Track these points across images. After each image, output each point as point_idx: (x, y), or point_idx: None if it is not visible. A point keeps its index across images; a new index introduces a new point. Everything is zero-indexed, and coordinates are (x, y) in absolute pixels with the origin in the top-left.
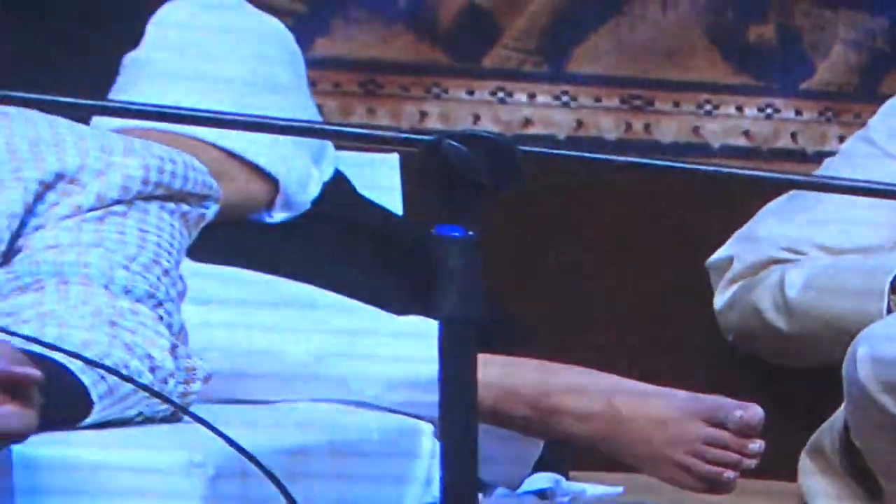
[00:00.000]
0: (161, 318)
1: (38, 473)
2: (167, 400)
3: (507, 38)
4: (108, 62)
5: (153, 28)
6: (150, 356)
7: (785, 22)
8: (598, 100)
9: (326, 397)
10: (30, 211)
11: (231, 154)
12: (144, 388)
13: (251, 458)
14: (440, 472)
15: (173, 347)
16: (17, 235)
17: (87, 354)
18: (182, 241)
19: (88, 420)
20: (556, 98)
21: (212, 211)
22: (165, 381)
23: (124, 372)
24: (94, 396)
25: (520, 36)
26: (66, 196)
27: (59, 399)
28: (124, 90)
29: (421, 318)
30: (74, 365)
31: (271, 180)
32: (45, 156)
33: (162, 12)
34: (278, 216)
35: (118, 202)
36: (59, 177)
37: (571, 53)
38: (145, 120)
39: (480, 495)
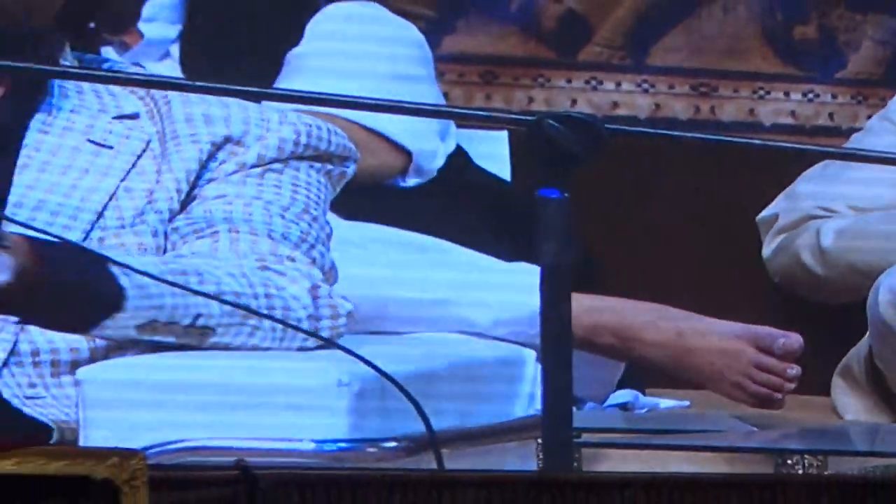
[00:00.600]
0: (314, 259)
1: (202, 394)
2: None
3: (598, 37)
4: (275, 57)
5: (311, 31)
6: (294, 297)
7: (824, 23)
8: (671, 87)
9: (448, 329)
10: (203, 167)
11: (375, 132)
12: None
13: (389, 377)
14: (542, 390)
15: (314, 287)
16: (193, 187)
17: (227, 287)
18: (327, 193)
19: (124, 319)
20: (638, 86)
21: (351, 169)
22: (320, 318)
23: (268, 309)
24: (129, 293)
25: (608, 35)
26: (233, 155)
27: (80, 279)
28: (288, 80)
29: (525, 264)
30: (119, 271)
31: (406, 153)
32: (215, 123)
33: (319, 17)
34: (411, 182)
35: (275, 161)
36: (227, 139)
37: (650, 49)
38: (304, 104)
39: (574, 408)
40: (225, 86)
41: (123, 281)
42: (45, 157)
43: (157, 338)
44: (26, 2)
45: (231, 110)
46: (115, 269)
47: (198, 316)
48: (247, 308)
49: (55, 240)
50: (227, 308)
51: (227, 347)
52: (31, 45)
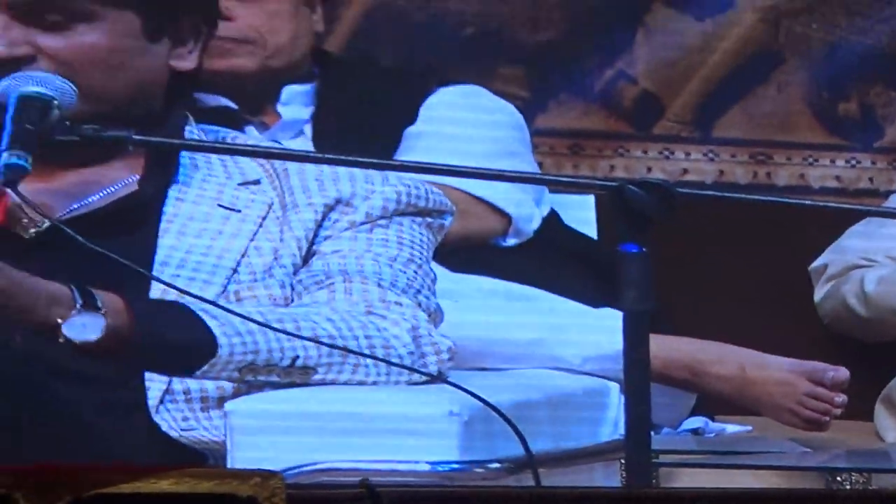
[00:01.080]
0: (419, 303)
1: (331, 422)
2: (413, 369)
3: (669, 114)
4: (395, 132)
5: (425, 110)
6: (395, 336)
7: (864, 100)
8: (733, 156)
9: (543, 366)
10: (319, 226)
11: (480, 199)
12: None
13: (493, 407)
14: (625, 417)
15: (414, 328)
16: (311, 244)
17: (322, 332)
18: (429, 243)
19: (221, 363)
20: (704, 155)
21: (448, 221)
22: (424, 355)
23: (368, 349)
24: (222, 341)
25: (678, 112)
26: (344, 215)
27: (173, 333)
28: (405, 154)
29: (610, 309)
30: (217, 322)
31: (507, 217)
32: (327, 187)
33: (432, 99)
34: (511, 241)
35: (381, 217)
36: (338, 201)
37: (714, 123)
38: (420, 174)
39: (652, 433)
40: (351, 157)
41: (216, 330)
42: (182, 221)
43: (260, 378)
44: (132, 85)
45: (340, 175)
46: (208, 321)
47: (295, 357)
48: (342, 348)
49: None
50: (326, 349)
51: (333, 383)
52: (156, 123)
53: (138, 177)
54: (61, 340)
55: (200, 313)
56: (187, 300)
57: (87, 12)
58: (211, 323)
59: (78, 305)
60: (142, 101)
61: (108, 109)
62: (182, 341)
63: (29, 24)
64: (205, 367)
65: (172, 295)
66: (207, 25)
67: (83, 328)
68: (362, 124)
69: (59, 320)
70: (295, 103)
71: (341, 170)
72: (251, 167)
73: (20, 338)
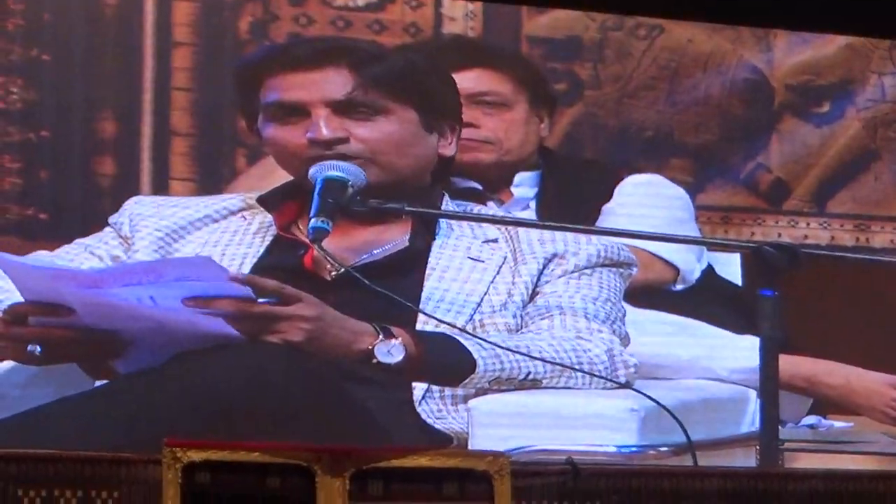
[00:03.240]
0: (614, 331)
1: (546, 417)
2: (609, 379)
3: (795, 194)
4: (596, 208)
5: (618, 192)
6: (597, 356)
7: None
8: (841, 225)
9: (700, 377)
10: (541, 273)
11: (657, 256)
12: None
13: (663, 406)
14: (760, 414)
15: (610, 350)
16: (535, 285)
17: (546, 354)
18: (621, 286)
19: (478, 377)
20: (820, 225)
21: (634, 270)
22: (616, 369)
23: (578, 365)
24: (479, 362)
25: (801, 193)
26: (559, 265)
27: (447, 356)
28: (604, 223)
29: (751, 336)
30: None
31: (676, 269)
32: (546, 244)
33: (623, 184)
34: (679, 287)
35: (586, 267)
36: (554, 255)
37: (827, 202)
38: (614, 237)
39: (779, 426)
40: (559, 224)
41: (475, 354)
42: (442, 268)
43: (503, 387)
44: (413, 164)
45: (556, 237)
46: (470, 346)
47: (528, 373)
48: (560, 364)
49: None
50: (549, 365)
51: (552, 388)
52: (424, 195)
53: (409, 236)
54: (374, 362)
55: (463, 340)
56: (444, 328)
57: (385, 109)
58: (472, 348)
59: (380, 336)
60: (418, 176)
61: (396, 181)
62: (452, 362)
63: (344, 116)
64: (465, 381)
65: (432, 324)
66: (459, 125)
67: (389, 353)
68: (573, 201)
69: (371, 347)
70: (524, 185)
71: (555, 232)
72: (491, 230)
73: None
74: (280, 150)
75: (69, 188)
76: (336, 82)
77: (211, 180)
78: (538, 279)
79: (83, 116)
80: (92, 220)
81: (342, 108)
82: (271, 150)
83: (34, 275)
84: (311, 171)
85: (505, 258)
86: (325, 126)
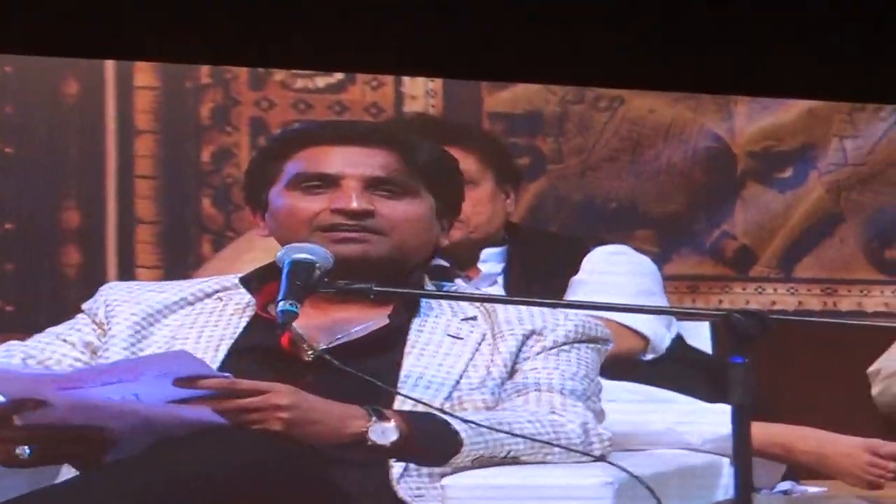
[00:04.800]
0: (589, 407)
1: (523, 492)
2: (584, 452)
3: (761, 262)
4: (564, 281)
5: (585, 264)
6: (569, 431)
7: None
8: (808, 290)
9: (673, 446)
10: (519, 350)
11: (627, 326)
12: (565, 447)
13: (636, 478)
14: (734, 482)
15: (585, 424)
16: (514, 363)
17: (526, 430)
18: (597, 363)
19: (462, 456)
20: (788, 290)
21: (609, 346)
22: (591, 443)
23: (554, 440)
24: (465, 441)
25: (767, 260)
26: (537, 342)
27: (436, 435)
28: (573, 296)
29: (722, 404)
30: (463, 426)
31: (646, 338)
32: (524, 322)
33: (590, 255)
34: (649, 356)
35: (564, 344)
36: (532, 332)
37: (794, 267)
38: (583, 310)
39: (753, 494)
40: (531, 300)
41: (462, 434)
42: (421, 346)
43: (483, 465)
44: (422, 246)
45: (533, 313)
46: (456, 424)
47: (509, 451)
48: (538, 440)
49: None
50: (528, 441)
51: (528, 463)
52: (408, 278)
53: (389, 313)
54: (369, 444)
55: (450, 420)
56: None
57: (415, 191)
58: (458, 427)
59: (373, 419)
60: (421, 258)
61: (404, 259)
62: (441, 442)
63: (373, 192)
64: (451, 459)
65: (409, 403)
66: (457, 215)
67: (383, 434)
68: (540, 275)
69: (364, 430)
70: (491, 261)
71: (533, 308)
72: (469, 307)
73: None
74: (292, 217)
75: (35, 279)
76: (377, 160)
77: (177, 267)
78: (517, 356)
79: (47, 207)
80: (59, 310)
81: (374, 185)
82: (279, 220)
83: (12, 377)
84: (279, 254)
85: (484, 335)
86: (356, 199)
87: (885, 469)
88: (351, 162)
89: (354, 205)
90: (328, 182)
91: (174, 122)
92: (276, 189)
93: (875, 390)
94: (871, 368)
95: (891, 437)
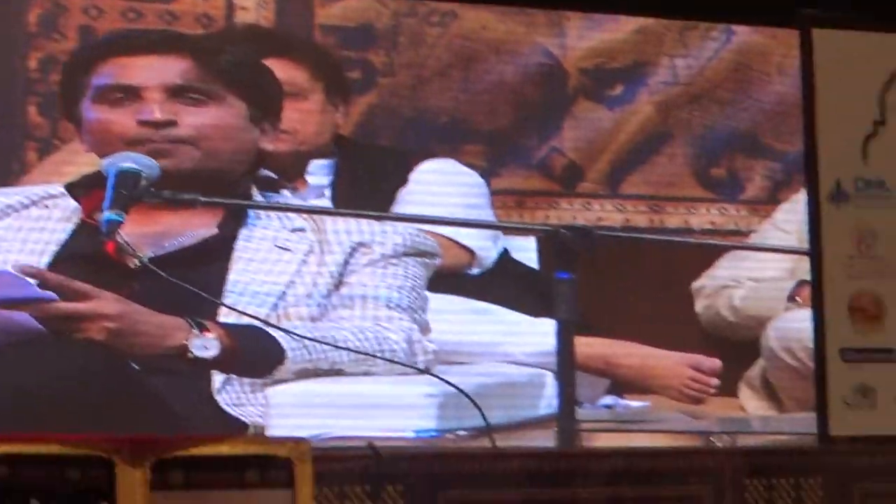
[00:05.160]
0: (415, 319)
1: (345, 403)
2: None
3: (588, 177)
4: (391, 194)
5: (414, 178)
6: (393, 343)
7: (730, 166)
8: (636, 206)
9: (498, 360)
10: (346, 262)
11: (453, 240)
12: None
13: (460, 390)
14: (557, 396)
15: (408, 337)
16: (341, 275)
17: (351, 343)
18: (423, 277)
19: (286, 368)
20: (615, 206)
21: (437, 261)
22: (416, 355)
23: (379, 353)
24: (289, 353)
25: (595, 176)
26: (365, 255)
27: (258, 347)
28: (400, 209)
29: (547, 319)
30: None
31: (472, 253)
32: (352, 234)
33: (418, 169)
34: (475, 271)
35: (392, 257)
36: (360, 244)
37: (621, 184)
38: (409, 223)
39: (577, 408)
40: (358, 212)
41: (285, 344)
42: (248, 256)
43: (309, 377)
44: (237, 152)
45: (361, 225)
46: (280, 337)
47: (334, 362)
48: (364, 353)
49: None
50: (352, 354)
51: (351, 375)
52: (234, 188)
53: (217, 223)
54: (189, 356)
55: (274, 333)
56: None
57: (218, 96)
58: (281, 339)
59: (195, 331)
60: (238, 166)
61: (217, 167)
62: (264, 354)
63: (176, 101)
64: (275, 371)
65: (235, 314)
66: (278, 120)
67: (204, 348)
68: (369, 189)
69: (185, 342)
70: (319, 173)
71: (362, 221)
72: (298, 219)
73: None
74: (104, 132)
75: None
76: (175, 68)
77: (1, 175)
78: (344, 268)
79: None
80: None
81: (176, 93)
82: (93, 134)
83: None
84: (104, 163)
85: (311, 247)
86: (158, 109)
87: (706, 384)
88: (150, 71)
89: (157, 115)
90: (130, 94)
91: (0, 28)
92: (86, 103)
93: (699, 306)
94: (696, 285)
95: (713, 353)
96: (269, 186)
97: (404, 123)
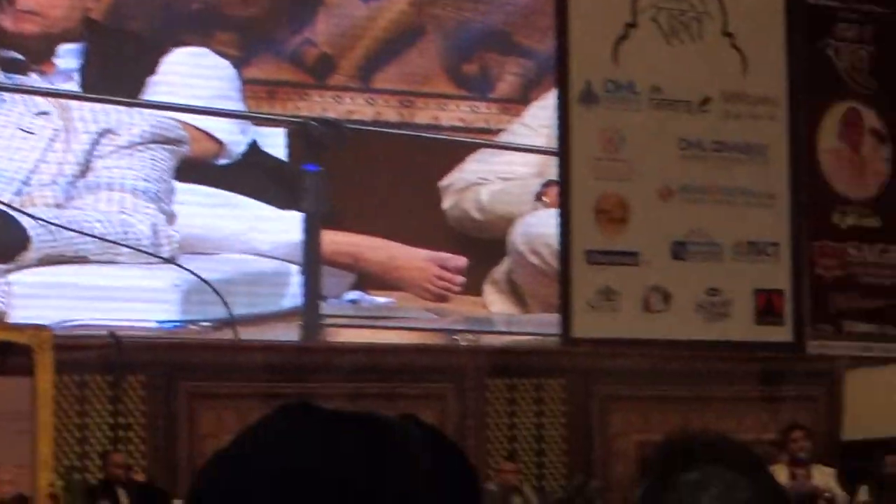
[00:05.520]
0: (161, 209)
1: (88, 291)
2: (152, 255)
3: (340, 70)
4: (141, 80)
5: (164, 65)
6: (138, 231)
7: (482, 63)
8: (387, 101)
9: (243, 251)
10: (93, 148)
11: (201, 130)
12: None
13: (205, 281)
14: (303, 289)
15: (154, 225)
16: (87, 161)
17: (96, 230)
18: (171, 163)
19: (30, 253)
20: (366, 100)
21: (185, 149)
22: (160, 244)
23: (123, 240)
24: (33, 238)
25: (347, 69)
26: (112, 141)
27: (2, 234)
28: (150, 96)
29: (295, 211)
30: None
31: (220, 143)
32: (99, 120)
33: (169, 57)
34: (223, 161)
35: (139, 144)
36: (107, 130)
37: (373, 77)
38: (158, 110)
39: (321, 302)
40: (106, 97)
41: (31, 231)
42: None
43: (53, 264)
44: None
45: (108, 111)
46: (23, 221)
47: (79, 250)
48: (109, 240)
49: None
50: (98, 242)
51: (96, 262)
52: None
53: None
54: None
55: (18, 217)
56: None
57: None
58: (25, 224)
59: None
60: None
61: None
62: (5, 238)
63: None
64: (17, 256)
65: None
66: None
67: None
68: (118, 74)
69: None
70: (68, 57)
71: (109, 107)
72: (44, 102)
73: None
74: None
75: None
76: None
77: None
78: (90, 154)
79: None
80: None
81: None
82: None
83: None
84: None
85: (56, 132)
86: None
87: (451, 282)
88: None
89: None
90: None
91: None
92: None
93: (446, 203)
94: (444, 182)
95: (460, 251)
96: (15, 68)
97: (156, 9)
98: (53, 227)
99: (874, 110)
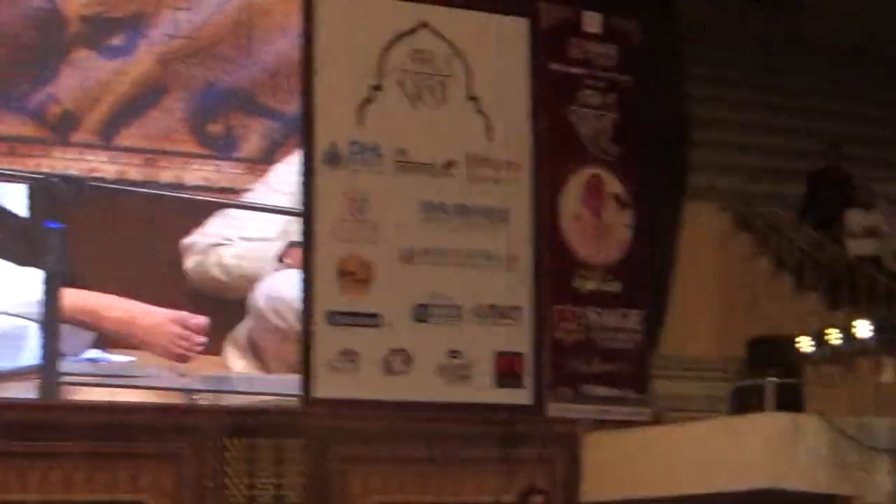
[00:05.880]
0: None
1: None
2: None
3: (84, 127)
4: None
5: None
6: None
7: (227, 123)
8: (130, 159)
9: None
10: None
11: None
12: None
13: None
14: (41, 347)
15: None
16: None
17: None
18: None
19: None
20: (109, 158)
21: None
22: None
23: None
24: None
25: (90, 126)
26: None
27: None
28: None
29: (35, 269)
30: None
31: None
32: None
33: None
34: None
35: None
36: None
37: (116, 135)
38: None
39: (60, 359)
40: None
41: None
42: None
43: None
44: None
45: None
46: None
47: None
48: None
49: None
50: None
51: None
52: None
53: None
54: None
55: None
56: None
57: None
58: None
59: None
60: None
61: None
62: None
63: None
64: None
65: None
66: None
67: None
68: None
69: None
70: None
71: None
72: None
73: None
74: None
75: None
76: None
77: None
78: None
79: None
80: None
81: None
82: None
83: None
84: None
85: None
86: None
87: (192, 342)
88: None
89: None
90: None
91: None
92: None
93: (189, 263)
94: (186, 241)
95: (201, 311)
96: None
97: None
98: None
99: (617, 176)
